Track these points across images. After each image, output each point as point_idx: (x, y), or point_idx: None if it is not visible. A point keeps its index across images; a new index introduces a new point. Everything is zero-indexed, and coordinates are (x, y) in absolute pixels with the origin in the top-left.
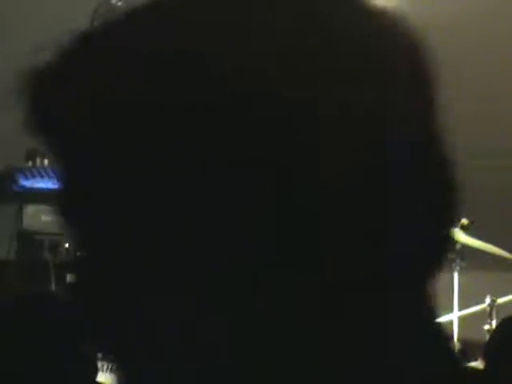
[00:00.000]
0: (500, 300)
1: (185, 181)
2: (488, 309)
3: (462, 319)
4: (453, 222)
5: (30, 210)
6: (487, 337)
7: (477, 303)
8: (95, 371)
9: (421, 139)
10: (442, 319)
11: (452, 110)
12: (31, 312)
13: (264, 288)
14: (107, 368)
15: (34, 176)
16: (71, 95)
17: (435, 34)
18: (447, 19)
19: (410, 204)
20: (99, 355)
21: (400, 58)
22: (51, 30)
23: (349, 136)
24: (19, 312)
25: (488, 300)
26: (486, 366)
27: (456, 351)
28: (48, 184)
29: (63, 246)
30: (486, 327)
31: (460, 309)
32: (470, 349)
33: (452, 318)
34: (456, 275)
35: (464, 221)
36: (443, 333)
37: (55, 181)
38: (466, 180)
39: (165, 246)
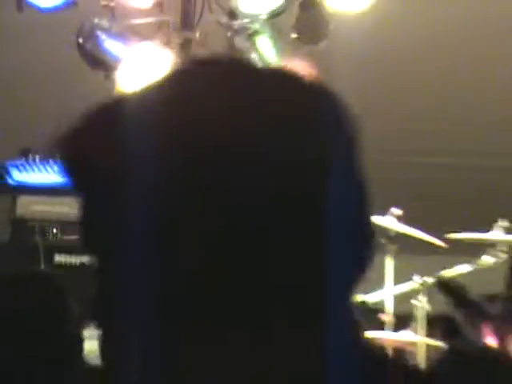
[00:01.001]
0: (426, 279)
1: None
2: (416, 286)
3: (394, 296)
4: (368, 261)
5: (22, 200)
6: (415, 310)
7: (407, 282)
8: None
9: (353, 191)
10: (378, 296)
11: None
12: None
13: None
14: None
15: (26, 171)
16: (95, 152)
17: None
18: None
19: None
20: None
21: (330, 122)
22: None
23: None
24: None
25: (416, 279)
26: None
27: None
28: (38, 178)
29: (51, 231)
30: (415, 302)
31: (393, 286)
32: (401, 320)
33: (386, 294)
34: (390, 258)
35: (397, 211)
36: (359, 327)
37: (44, 175)
38: (402, 176)
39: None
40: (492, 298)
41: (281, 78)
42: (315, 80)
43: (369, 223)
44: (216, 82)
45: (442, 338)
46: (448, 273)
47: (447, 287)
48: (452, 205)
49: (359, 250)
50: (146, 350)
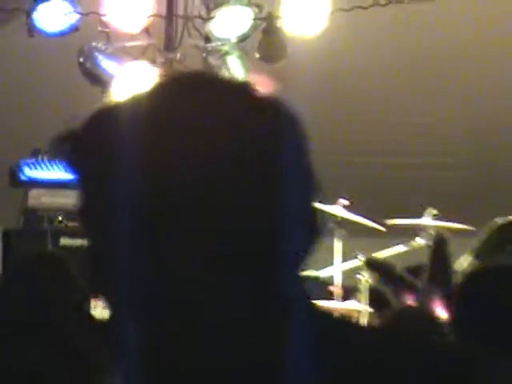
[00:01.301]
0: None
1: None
2: (361, 264)
3: (342, 271)
4: (310, 252)
5: (33, 193)
6: (359, 284)
7: (353, 260)
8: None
9: (307, 197)
10: (329, 272)
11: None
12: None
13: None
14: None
15: (36, 168)
16: (86, 150)
17: None
18: None
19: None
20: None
21: (284, 136)
22: None
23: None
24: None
25: (361, 257)
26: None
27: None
28: (46, 174)
29: (57, 219)
30: (359, 277)
31: (341, 264)
32: (348, 292)
33: (335, 270)
34: (338, 240)
35: (344, 201)
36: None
37: (51, 172)
38: (348, 173)
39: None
40: (416, 272)
41: (238, 88)
42: (271, 93)
43: (313, 212)
44: (181, 93)
45: (372, 306)
46: (385, 253)
47: (375, 265)
48: (389, 196)
49: (305, 232)
50: (137, 301)
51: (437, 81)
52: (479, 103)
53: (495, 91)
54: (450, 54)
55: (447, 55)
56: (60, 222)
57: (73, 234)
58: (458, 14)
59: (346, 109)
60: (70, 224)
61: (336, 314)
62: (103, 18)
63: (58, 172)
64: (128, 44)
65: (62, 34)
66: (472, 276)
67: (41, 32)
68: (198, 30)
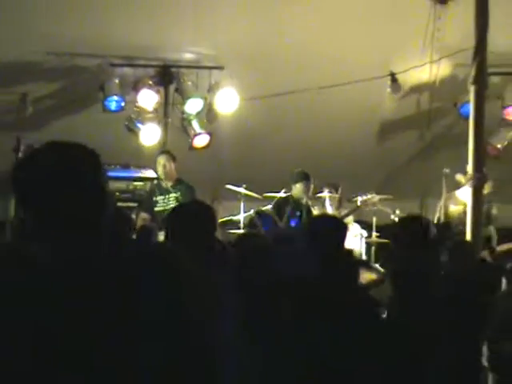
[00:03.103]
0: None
1: None
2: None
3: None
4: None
5: None
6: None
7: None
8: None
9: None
10: (239, 217)
11: None
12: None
13: None
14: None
15: None
16: (26, 178)
17: None
18: None
19: None
20: None
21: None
22: None
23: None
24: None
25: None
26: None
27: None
28: None
29: None
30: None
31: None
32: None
33: (240, 217)
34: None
35: (244, 186)
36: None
37: None
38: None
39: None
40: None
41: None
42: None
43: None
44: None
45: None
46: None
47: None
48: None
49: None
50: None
51: None
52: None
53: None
54: None
55: None
56: None
57: None
58: None
59: (252, 159)
60: None
61: None
62: None
63: None
64: None
65: (116, 111)
66: None
67: (109, 109)
68: None
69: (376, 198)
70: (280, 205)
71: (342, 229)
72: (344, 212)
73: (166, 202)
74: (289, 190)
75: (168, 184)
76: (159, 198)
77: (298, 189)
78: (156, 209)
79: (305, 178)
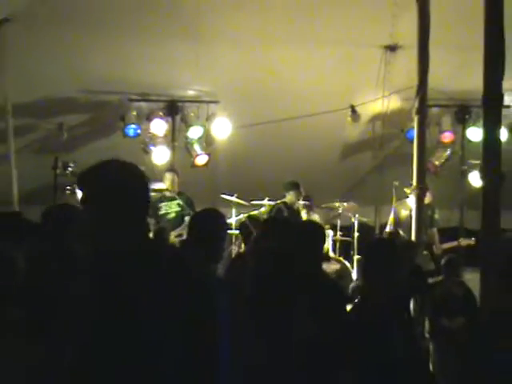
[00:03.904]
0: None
1: None
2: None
3: (236, 220)
4: None
5: None
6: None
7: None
8: None
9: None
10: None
11: None
12: None
13: None
14: None
15: None
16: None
17: None
18: None
19: None
20: None
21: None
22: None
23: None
24: None
25: (242, 216)
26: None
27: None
28: None
29: None
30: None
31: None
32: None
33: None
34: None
35: (235, 195)
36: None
37: None
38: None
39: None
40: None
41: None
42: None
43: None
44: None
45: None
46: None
47: (252, 218)
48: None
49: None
50: None
51: None
52: None
53: None
54: None
55: None
56: None
57: None
58: None
59: (242, 183)
60: None
61: None
62: None
63: None
64: None
65: (133, 137)
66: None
67: (127, 135)
68: None
69: (340, 204)
70: (279, 210)
71: (322, 230)
72: (316, 217)
73: (169, 207)
74: (278, 198)
75: (173, 193)
76: (163, 205)
77: (291, 196)
78: (160, 213)
79: (296, 186)
